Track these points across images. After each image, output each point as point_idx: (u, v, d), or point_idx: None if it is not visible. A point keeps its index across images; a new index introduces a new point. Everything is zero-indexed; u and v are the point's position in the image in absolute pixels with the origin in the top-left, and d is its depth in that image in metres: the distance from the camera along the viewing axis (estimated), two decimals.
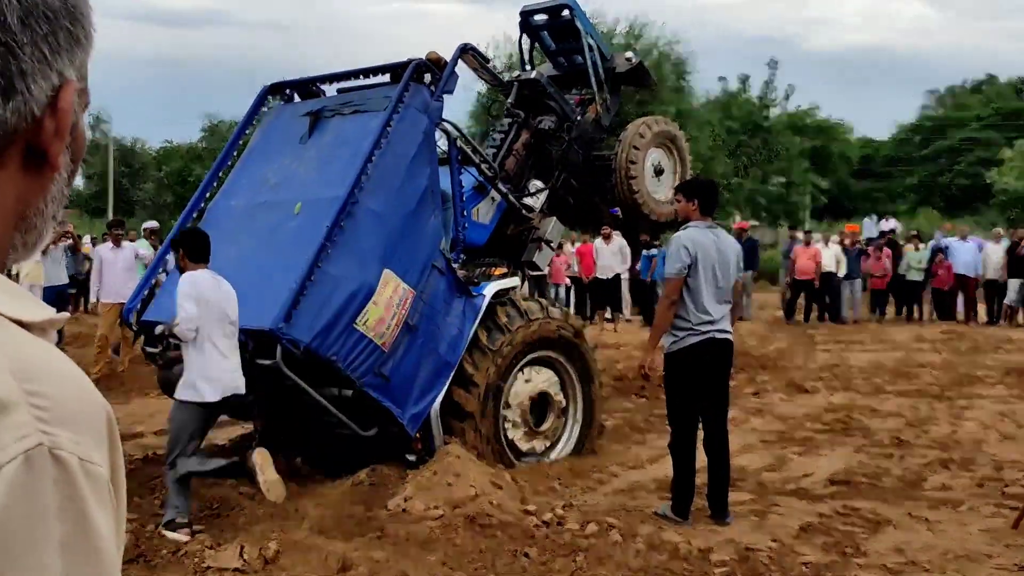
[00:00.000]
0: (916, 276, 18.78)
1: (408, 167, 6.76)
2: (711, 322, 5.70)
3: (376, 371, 6.31)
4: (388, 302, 6.35)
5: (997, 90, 65.06)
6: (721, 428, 5.90)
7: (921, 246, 19.35)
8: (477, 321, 6.94)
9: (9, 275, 0.85)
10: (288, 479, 6.64)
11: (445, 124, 7.23)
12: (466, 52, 7.39)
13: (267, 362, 5.92)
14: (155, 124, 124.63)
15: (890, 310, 19.55)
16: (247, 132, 7.97)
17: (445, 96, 7.19)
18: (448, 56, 7.21)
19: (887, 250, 19.20)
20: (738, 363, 12.60)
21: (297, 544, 4.78)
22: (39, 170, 0.83)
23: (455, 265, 7.03)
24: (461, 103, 30.58)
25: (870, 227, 27.07)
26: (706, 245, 5.75)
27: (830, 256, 18.93)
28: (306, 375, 6.10)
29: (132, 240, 13.60)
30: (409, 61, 7.07)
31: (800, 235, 19.87)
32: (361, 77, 7.69)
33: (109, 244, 12.19)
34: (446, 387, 6.72)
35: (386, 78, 7.43)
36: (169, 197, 45.31)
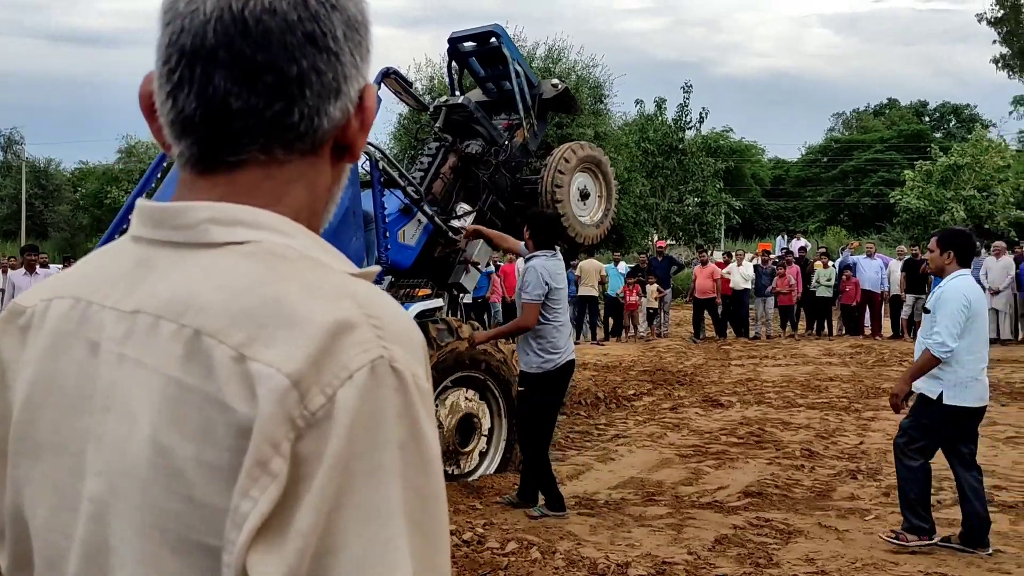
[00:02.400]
0: (825, 292, 19.40)
1: None
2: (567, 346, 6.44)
3: None
4: None
5: (899, 113, 67.66)
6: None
7: (830, 264, 19.98)
8: None
9: None
10: None
11: (368, 146, 7.27)
12: (388, 76, 7.45)
13: None
14: (69, 145, 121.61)
15: (802, 325, 20.14)
16: (150, 190, 7.88)
17: None
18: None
19: (793, 267, 19.81)
20: (656, 379, 12.89)
21: None
22: (340, 161, 0.97)
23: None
24: (383, 124, 30.57)
25: (781, 245, 27.81)
26: (557, 273, 6.42)
27: (742, 274, 19.52)
28: None
29: (45, 265, 13.26)
30: None
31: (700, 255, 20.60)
32: None
33: (22, 270, 11.88)
34: None
35: None
36: (85, 219, 44.15)
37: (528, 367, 6.47)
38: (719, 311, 19.52)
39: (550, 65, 27.49)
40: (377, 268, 0.98)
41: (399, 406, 0.80)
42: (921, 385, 5.64)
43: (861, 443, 8.61)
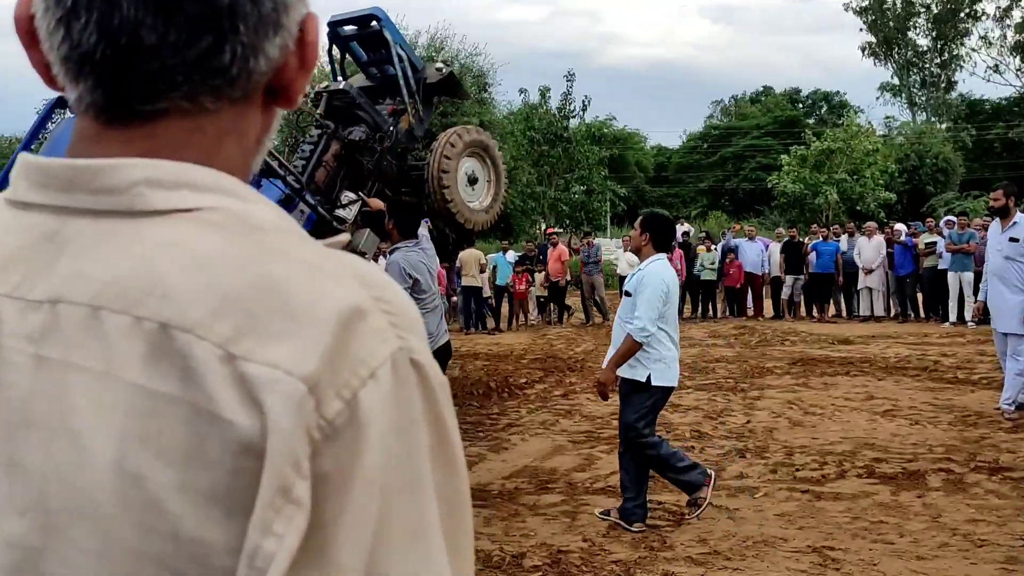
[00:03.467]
0: (710, 276, 19.81)
1: None
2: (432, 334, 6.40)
3: None
4: None
5: (774, 100, 69.77)
6: None
7: (712, 247, 20.41)
8: None
9: None
10: None
11: None
12: None
13: None
14: None
15: (687, 309, 20.53)
16: (33, 148, 7.46)
17: None
18: None
19: (678, 251, 20.16)
20: (547, 366, 12.91)
21: None
22: (273, 106, 0.82)
23: None
24: None
25: None
26: (419, 263, 6.41)
27: (628, 260, 19.77)
28: None
29: None
30: None
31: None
32: None
33: None
34: None
35: None
36: None
37: None
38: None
39: (433, 54, 27.26)
40: (346, 236, 0.84)
41: (424, 405, 0.69)
42: (627, 372, 5.71)
43: (748, 422, 8.77)
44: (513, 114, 33.66)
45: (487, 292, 19.51)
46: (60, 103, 7.52)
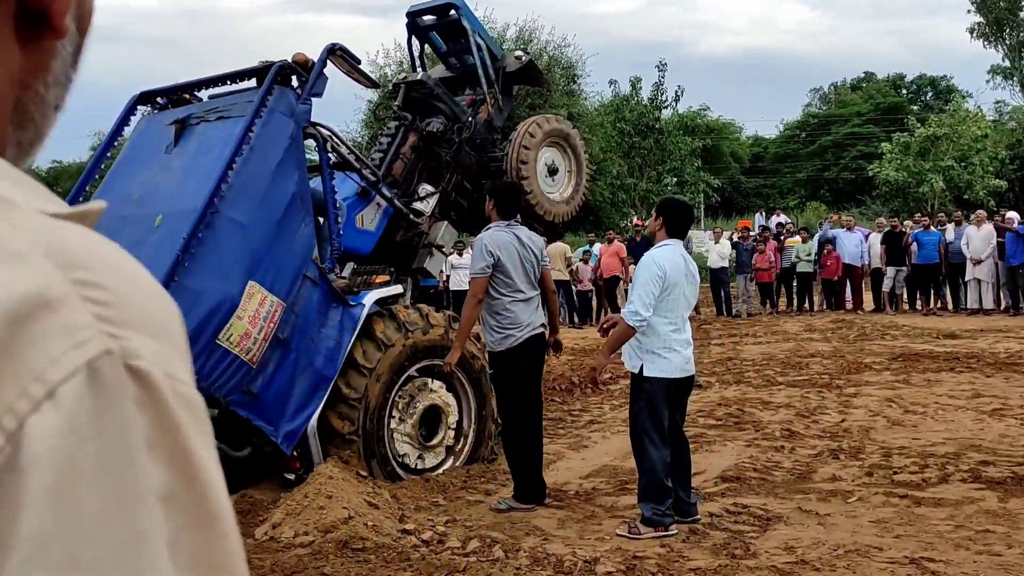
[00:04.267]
0: (806, 267, 19.14)
1: (273, 173, 6.40)
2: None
3: (244, 388, 5.93)
4: (254, 315, 5.98)
5: (876, 87, 67.55)
6: (540, 418, 6.30)
7: (809, 239, 19.71)
8: (356, 331, 6.62)
9: None
10: None
11: (317, 128, 6.91)
12: (334, 53, 7.05)
13: None
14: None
15: (783, 302, 19.92)
16: (115, 144, 7.54)
17: (315, 99, 6.87)
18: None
19: (772, 243, 19.55)
20: None
21: None
22: (38, 40, 0.61)
23: (331, 274, 6.71)
24: (352, 111, 30.08)
25: (760, 222, 27.60)
26: (507, 243, 6.05)
27: (719, 252, 19.31)
28: None
29: None
30: (272, 63, 6.72)
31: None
32: (230, 82, 7.31)
33: None
34: (323, 402, 6.40)
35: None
36: None
37: (490, 346, 6.20)
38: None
39: (521, 47, 27.06)
40: (102, 204, 0.62)
41: (150, 431, 0.48)
42: (625, 361, 5.51)
43: (843, 421, 8.32)
44: (604, 106, 33.19)
45: (588, 286, 19.24)
46: (141, 99, 7.56)
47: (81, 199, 7.41)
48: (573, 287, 19.27)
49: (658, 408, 5.39)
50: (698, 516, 5.59)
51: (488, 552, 4.95)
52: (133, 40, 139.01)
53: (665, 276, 5.32)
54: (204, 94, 7.48)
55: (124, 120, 7.45)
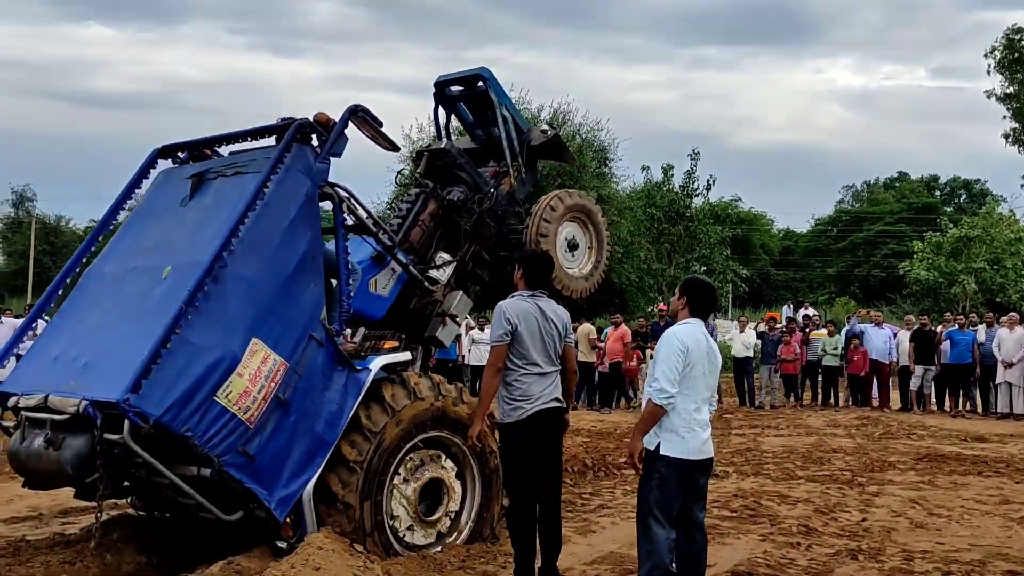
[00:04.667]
0: (832, 361, 18.79)
1: (285, 231, 6.28)
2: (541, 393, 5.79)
3: (239, 449, 5.71)
4: (255, 374, 5.80)
5: (909, 186, 67.63)
6: (554, 499, 5.92)
7: (836, 332, 19.37)
8: (360, 397, 6.43)
9: None
10: (134, 573, 6.02)
11: (334, 188, 6.81)
12: (355, 114, 7.01)
13: (115, 437, 5.32)
14: (79, 203, 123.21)
15: (808, 396, 19.52)
16: (132, 196, 7.49)
17: (334, 159, 6.80)
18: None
19: (798, 335, 19.25)
20: None
21: None
22: None
23: (339, 337, 6.54)
24: (385, 186, 30.23)
25: (787, 314, 27.32)
26: (528, 313, 5.83)
27: (744, 342, 19.05)
28: (161, 452, 5.53)
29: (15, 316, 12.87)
30: (292, 121, 6.67)
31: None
32: (251, 138, 7.26)
33: None
34: (321, 468, 6.17)
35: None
36: None
37: (499, 418, 5.93)
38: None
39: (550, 122, 27.30)
40: None
41: None
42: (644, 439, 5.23)
43: (864, 519, 7.95)
44: (635, 191, 33.25)
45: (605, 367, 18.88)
46: (162, 153, 7.53)
47: (92, 250, 7.35)
48: (597, 370, 18.96)
49: (671, 490, 5.13)
50: None
51: None
52: (185, 108, 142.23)
53: (687, 352, 5.12)
54: (225, 150, 7.46)
55: (143, 173, 7.41)
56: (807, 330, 19.90)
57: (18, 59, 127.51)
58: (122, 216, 7.45)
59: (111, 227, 7.41)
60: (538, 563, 5.85)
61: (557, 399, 5.84)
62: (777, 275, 60.02)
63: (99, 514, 5.99)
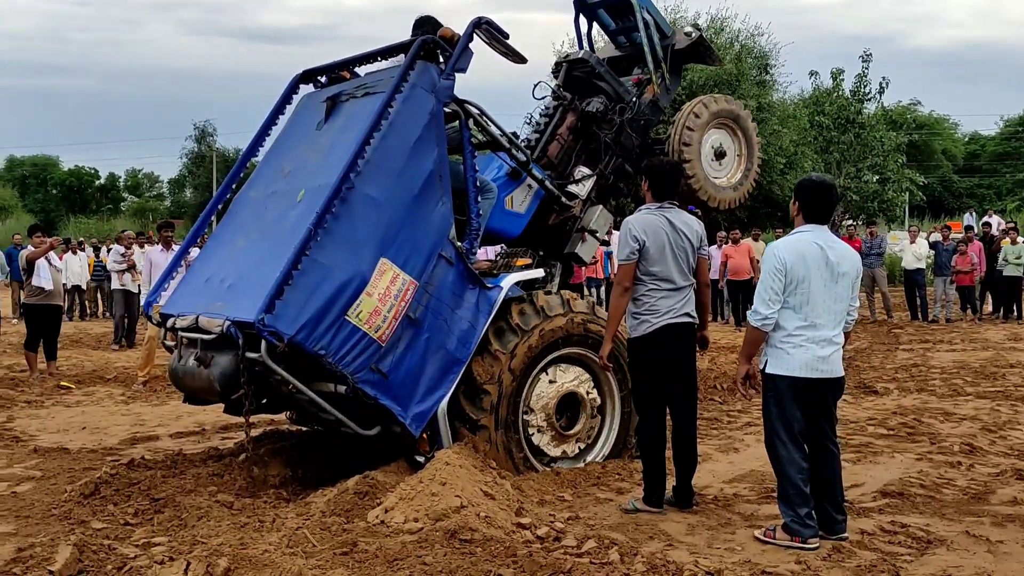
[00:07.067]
0: (1014, 271, 17.50)
1: (412, 150, 6.25)
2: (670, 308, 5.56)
3: (372, 366, 5.82)
4: (384, 293, 5.86)
5: None
6: (687, 416, 5.69)
7: (1020, 240, 17.99)
8: (492, 314, 6.40)
9: None
10: (280, 485, 6.26)
11: (463, 104, 6.70)
12: (479, 27, 6.84)
13: (254, 355, 5.51)
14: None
15: (988, 307, 18.34)
16: (276, 121, 7.65)
17: (459, 74, 6.69)
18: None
19: (976, 244, 17.96)
20: None
21: (252, 560, 4.30)
22: None
23: (471, 255, 6.51)
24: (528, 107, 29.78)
25: (968, 223, 25.63)
26: (656, 228, 5.56)
27: (915, 253, 17.97)
28: (300, 370, 5.70)
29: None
30: (415, 38, 6.59)
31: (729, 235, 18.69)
32: (384, 57, 7.24)
33: (159, 247, 12.08)
34: (455, 384, 6.21)
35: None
36: None
37: (628, 332, 5.77)
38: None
39: (712, 36, 26.19)
40: None
41: None
42: (755, 359, 4.96)
43: None
44: (803, 99, 31.62)
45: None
46: (304, 78, 7.62)
47: (242, 175, 7.60)
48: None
49: (786, 408, 4.87)
50: (845, 533, 5.01)
51: (603, 554, 4.59)
52: (350, 38, 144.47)
53: (786, 268, 4.79)
54: (364, 71, 7.47)
55: (286, 99, 7.54)
56: (994, 240, 18.50)
57: None
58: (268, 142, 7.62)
59: (256, 153, 7.59)
60: (674, 481, 5.72)
61: (688, 314, 5.60)
62: (961, 183, 56.36)
63: (247, 428, 6.29)
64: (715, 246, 18.20)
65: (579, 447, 6.83)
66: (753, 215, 27.52)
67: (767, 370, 4.91)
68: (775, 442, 4.93)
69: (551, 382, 6.67)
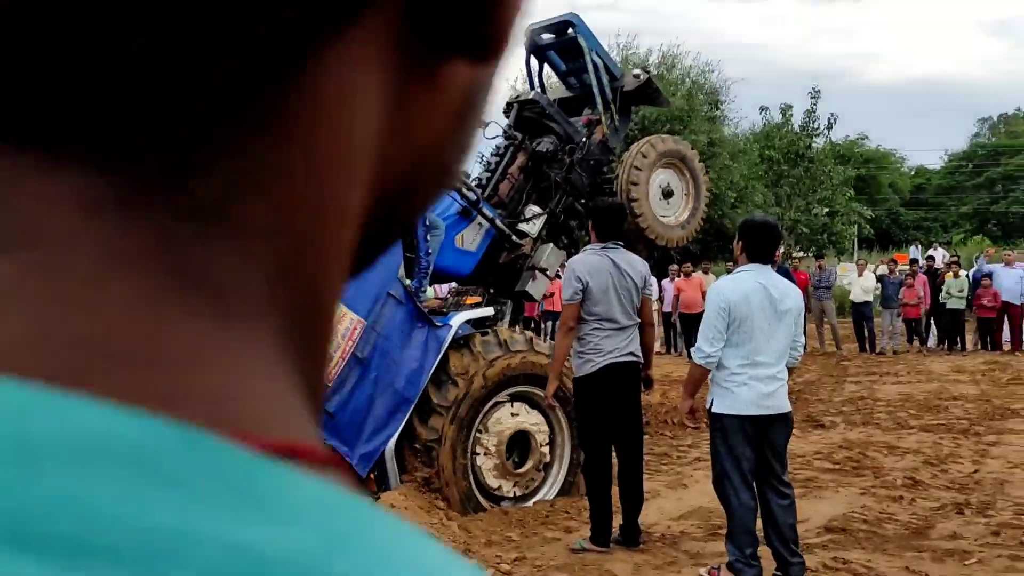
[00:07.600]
0: (957, 304, 17.88)
1: None
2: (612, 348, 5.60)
3: None
4: None
5: None
6: (632, 454, 5.76)
7: (961, 273, 18.39)
8: (440, 354, 6.42)
9: None
10: None
11: None
12: None
13: None
14: None
15: (933, 339, 18.69)
16: None
17: None
18: None
19: (920, 277, 18.35)
20: None
21: None
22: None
23: (419, 294, 6.55)
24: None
25: (913, 255, 26.17)
26: (599, 268, 5.60)
27: (863, 286, 18.31)
28: None
29: None
30: None
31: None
32: None
33: None
34: (402, 425, 6.21)
35: None
36: None
37: (574, 371, 5.81)
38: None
39: (664, 72, 26.58)
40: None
41: None
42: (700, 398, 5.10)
43: (976, 471, 7.54)
44: (752, 133, 32.19)
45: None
46: None
47: None
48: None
49: (734, 447, 4.92)
50: None
51: None
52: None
53: (730, 307, 4.86)
54: None
55: None
56: (938, 273, 18.87)
57: None
58: None
59: None
60: (620, 520, 5.75)
61: (632, 353, 5.66)
62: (907, 215, 57.53)
63: None
64: (667, 279, 18.36)
65: (527, 486, 6.84)
66: (705, 248, 27.85)
67: (713, 409, 4.97)
68: (723, 481, 4.98)
69: (507, 417, 6.69)
